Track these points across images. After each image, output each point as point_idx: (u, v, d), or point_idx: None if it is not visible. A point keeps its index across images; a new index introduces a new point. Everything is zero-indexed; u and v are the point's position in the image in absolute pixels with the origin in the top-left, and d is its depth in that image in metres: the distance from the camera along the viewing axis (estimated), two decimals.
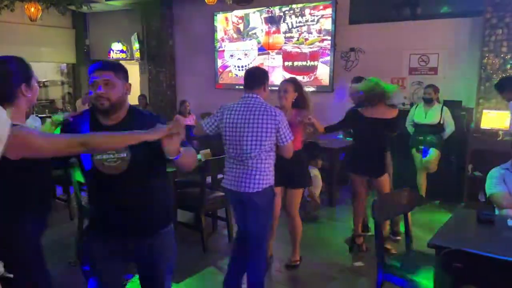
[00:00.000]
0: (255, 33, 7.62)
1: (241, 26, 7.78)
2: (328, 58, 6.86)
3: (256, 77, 2.95)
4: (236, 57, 7.93)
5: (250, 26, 7.66)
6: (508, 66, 5.34)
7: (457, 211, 3.72)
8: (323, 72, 6.96)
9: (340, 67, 6.86)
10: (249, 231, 2.94)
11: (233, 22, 7.87)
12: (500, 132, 5.09)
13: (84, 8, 8.35)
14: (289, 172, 3.34)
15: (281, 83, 3.55)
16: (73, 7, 8.35)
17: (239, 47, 7.86)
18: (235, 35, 7.89)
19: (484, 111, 5.36)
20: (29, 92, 1.93)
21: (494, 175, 3.05)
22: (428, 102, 5.27)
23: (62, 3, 7.52)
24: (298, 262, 3.70)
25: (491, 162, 3.51)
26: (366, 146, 3.86)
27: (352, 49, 6.75)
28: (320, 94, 6.97)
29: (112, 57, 9.29)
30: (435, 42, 6.07)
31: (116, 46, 9.39)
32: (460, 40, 5.92)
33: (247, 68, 7.59)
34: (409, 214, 3.05)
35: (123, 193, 1.87)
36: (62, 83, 10.83)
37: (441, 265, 2.11)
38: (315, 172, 5.00)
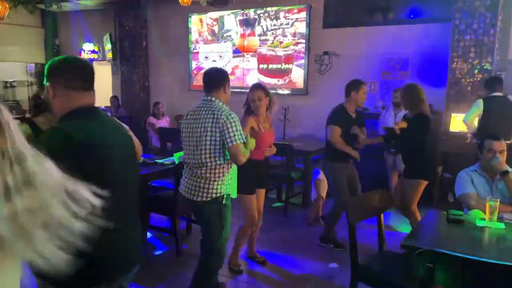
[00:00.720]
0: (230, 35, 7.61)
1: (215, 28, 7.75)
2: (303, 61, 6.92)
3: (213, 79, 2.82)
4: (211, 59, 7.89)
5: (225, 28, 7.64)
6: (476, 71, 5.52)
7: (428, 212, 3.80)
8: (297, 75, 7.01)
9: (314, 71, 6.93)
10: (201, 240, 2.91)
11: (207, 24, 7.83)
12: (468, 135, 5.25)
13: (54, 7, 8.13)
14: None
15: (252, 92, 3.42)
16: (42, 6, 8.12)
17: (213, 49, 7.83)
18: (209, 37, 7.85)
19: (453, 114, 5.51)
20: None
21: (462, 176, 3.14)
22: (397, 105, 5.39)
23: (31, 2, 7.30)
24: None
25: (459, 164, 3.61)
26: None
27: (326, 53, 6.83)
28: (294, 96, 7.03)
29: (83, 57, 9.09)
30: (406, 47, 6.22)
31: (88, 46, 9.19)
32: (430, 45, 6.08)
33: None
34: (382, 215, 3.10)
35: None
36: (31, 83, 10.51)
37: (414, 265, 2.15)
38: (321, 175, 4.99)
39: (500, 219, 2.68)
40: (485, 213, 2.70)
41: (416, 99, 3.86)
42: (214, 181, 2.72)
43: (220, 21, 7.66)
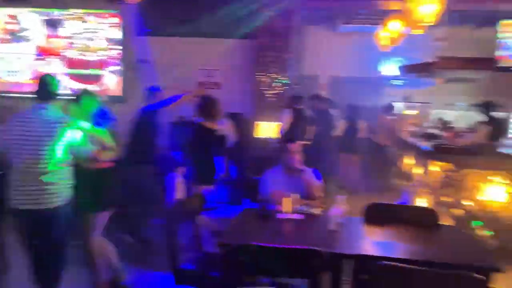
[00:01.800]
0: (30, 36, 6.84)
1: (13, 27, 6.87)
2: (117, 67, 6.70)
3: (50, 86, 2.79)
4: (7, 60, 6.95)
5: (24, 27, 6.84)
6: (276, 84, 6.27)
7: (241, 210, 4.13)
8: (112, 82, 6.75)
9: (129, 78, 6.77)
10: (52, 244, 2.75)
11: (4, 22, 6.88)
12: (269, 141, 5.94)
13: None
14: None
15: None
16: None
17: (10, 49, 6.92)
18: (5, 36, 6.91)
19: (258, 122, 6.14)
20: None
21: (266, 177, 3.54)
22: None
23: None
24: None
25: (264, 166, 4.03)
26: None
27: (141, 61, 6.75)
28: (111, 104, 6.73)
29: None
30: (218, 59, 6.64)
31: None
32: (239, 58, 6.64)
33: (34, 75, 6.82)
34: (198, 217, 3.25)
35: None
36: None
37: (228, 260, 2.32)
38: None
39: (298, 210, 3.12)
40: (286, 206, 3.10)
41: (216, 111, 4.13)
42: (64, 187, 2.74)
43: (18, 19, 6.82)
